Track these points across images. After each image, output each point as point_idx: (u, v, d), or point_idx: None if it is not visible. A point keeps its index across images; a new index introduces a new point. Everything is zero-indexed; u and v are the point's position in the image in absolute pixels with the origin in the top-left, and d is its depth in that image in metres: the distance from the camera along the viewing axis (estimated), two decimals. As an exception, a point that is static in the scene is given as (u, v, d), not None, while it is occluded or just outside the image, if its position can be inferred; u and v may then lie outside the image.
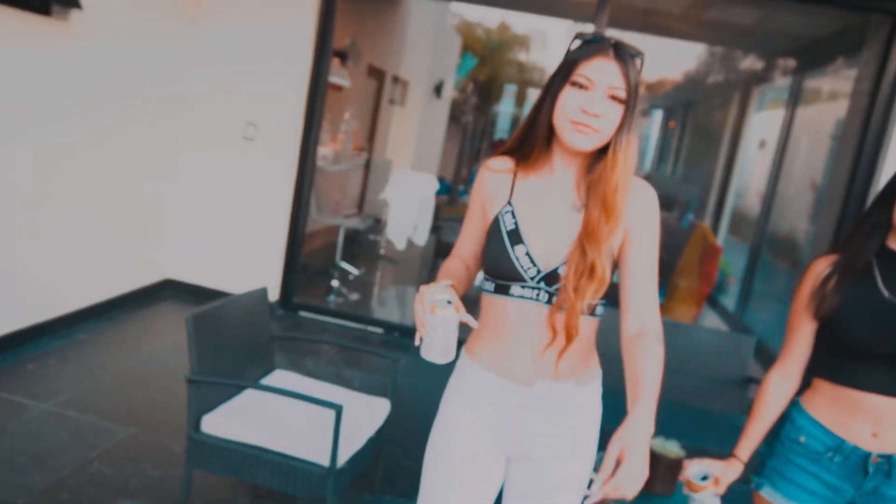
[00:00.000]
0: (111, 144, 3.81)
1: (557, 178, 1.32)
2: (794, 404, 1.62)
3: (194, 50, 4.35)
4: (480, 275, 1.43)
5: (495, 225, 1.31)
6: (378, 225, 7.30)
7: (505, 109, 13.26)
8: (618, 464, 1.10)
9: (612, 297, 1.36)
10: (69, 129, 3.46)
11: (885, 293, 1.47)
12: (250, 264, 4.53)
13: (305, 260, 5.28)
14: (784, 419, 1.63)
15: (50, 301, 3.63)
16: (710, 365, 3.27)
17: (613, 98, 1.21)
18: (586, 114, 1.20)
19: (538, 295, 1.28)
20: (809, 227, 5.45)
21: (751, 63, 8.05)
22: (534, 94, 12.87)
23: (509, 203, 1.31)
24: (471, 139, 12.60)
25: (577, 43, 1.26)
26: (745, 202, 7.66)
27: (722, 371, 3.28)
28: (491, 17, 14.50)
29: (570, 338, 1.27)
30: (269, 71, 4.34)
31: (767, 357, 4.58)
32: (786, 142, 6.12)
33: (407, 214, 6.27)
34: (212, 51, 4.36)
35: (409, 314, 5.73)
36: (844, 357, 1.51)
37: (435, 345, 1.19)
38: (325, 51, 4.35)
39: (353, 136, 6.85)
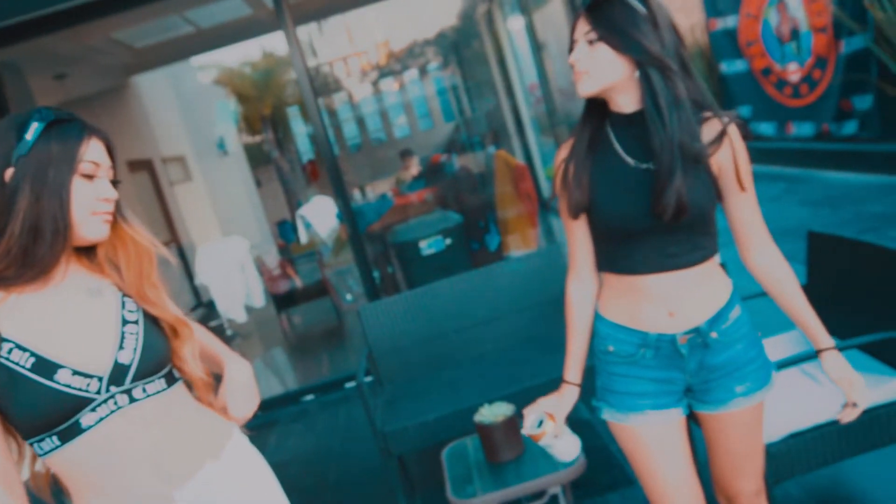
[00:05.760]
0: None
1: (56, 277, 1.12)
2: (596, 314, 1.51)
3: None
4: None
5: (6, 374, 1.04)
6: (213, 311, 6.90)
7: (300, 130, 12.97)
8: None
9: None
10: None
11: (630, 161, 1.35)
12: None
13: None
14: (593, 334, 1.53)
15: None
16: (538, 292, 3.18)
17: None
18: (108, 201, 1.13)
19: (116, 402, 1.08)
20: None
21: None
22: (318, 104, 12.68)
23: (4, 340, 1.05)
24: (290, 171, 12.27)
25: (38, 130, 1.07)
26: (552, 104, 7.76)
27: (553, 292, 3.20)
28: (250, 53, 14.04)
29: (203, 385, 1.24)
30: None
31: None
32: (534, 42, 6.20)
33: (232, 285, 5.92)
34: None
35: (285, 381, 5.42)
36: (617, 243, 1.39)
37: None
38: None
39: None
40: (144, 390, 1.11)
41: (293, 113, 12.77)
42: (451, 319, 3.16)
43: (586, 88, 1.33)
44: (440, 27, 10.49)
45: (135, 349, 1.11)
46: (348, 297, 6.29)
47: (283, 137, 12.68)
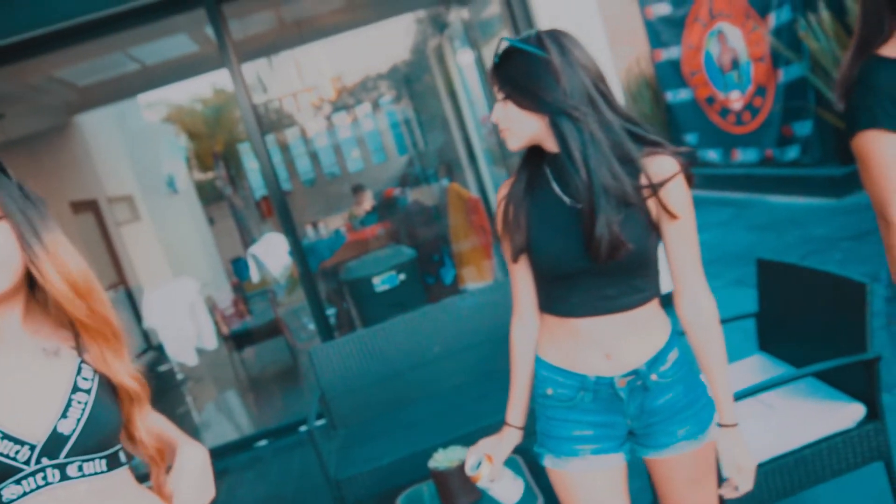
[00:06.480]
0: None
1: (4, 338, 1.01)
2: (535, 357, 1.47)
3: None
4: None
5: None
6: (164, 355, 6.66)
7: (253, 166, 12.82)
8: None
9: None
10: None
11: (566, 200, 1.32)
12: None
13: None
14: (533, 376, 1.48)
15: None
16: (493, 326, 3.13)
17: None
18: None
19: (46, 476, 0.96)
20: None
21: (426, 14, 8.21)
22: (269, 140, 12.53)
23: None
24: (244, 208, 12.08)
25: None
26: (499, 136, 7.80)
27: (509, 326, 3.16)
28: (199, 89, 13.86)
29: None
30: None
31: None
32: (484, 74, 6.25)
33: (181, 327, 5.73)
34: None
35: (238, 425, 5.24)
36: (553, 285, 1.37)
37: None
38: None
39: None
40: (80, 468, 0.98)
41: (245, 149, 12.62)
42: (405, 358, 3.09)
43: (512, 144, 1.36)
44: (391, 62, 10.56)
45: (78, 420, 0.99)
46: (303, 336, 6.16)
47: (236, 174, 12.51)
